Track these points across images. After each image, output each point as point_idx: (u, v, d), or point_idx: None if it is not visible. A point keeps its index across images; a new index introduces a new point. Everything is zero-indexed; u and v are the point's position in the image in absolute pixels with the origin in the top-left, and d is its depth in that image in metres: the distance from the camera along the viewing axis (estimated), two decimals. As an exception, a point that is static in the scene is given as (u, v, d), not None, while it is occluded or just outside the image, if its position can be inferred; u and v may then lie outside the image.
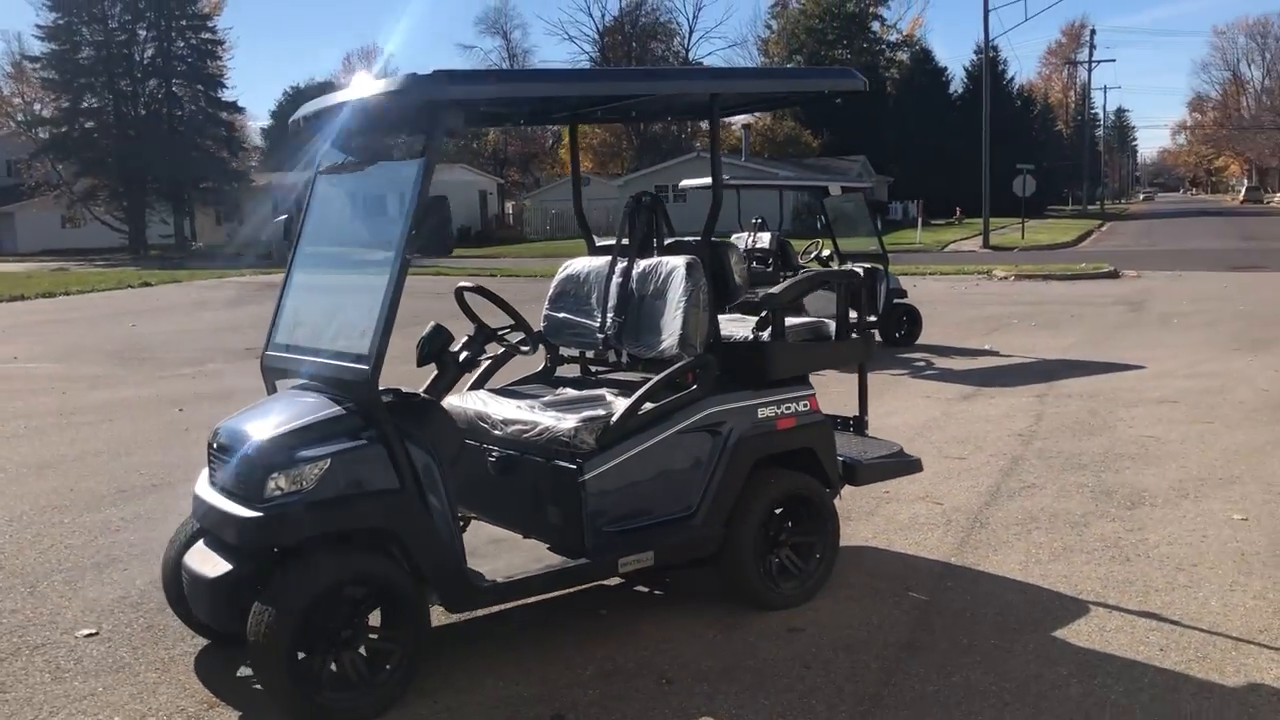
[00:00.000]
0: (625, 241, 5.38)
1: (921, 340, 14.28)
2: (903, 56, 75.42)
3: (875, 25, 76.43)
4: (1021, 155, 50.23)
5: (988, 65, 39.64)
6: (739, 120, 55.05)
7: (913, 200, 50.92)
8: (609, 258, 5.44)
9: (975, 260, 30.53)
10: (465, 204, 54.55)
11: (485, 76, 4.45)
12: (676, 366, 4.79)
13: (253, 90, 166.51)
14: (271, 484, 4.07)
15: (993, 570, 5.43)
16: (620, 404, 4.71)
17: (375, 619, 4.16)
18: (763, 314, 5.13)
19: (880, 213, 20.59)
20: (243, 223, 53.04)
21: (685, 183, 14.77)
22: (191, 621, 4.73)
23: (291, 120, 5.03)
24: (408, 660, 4.13)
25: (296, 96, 64.76)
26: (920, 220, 42.08)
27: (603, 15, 78.55)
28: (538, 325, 5.52)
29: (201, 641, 4.76)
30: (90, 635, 4.97)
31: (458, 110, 4.24)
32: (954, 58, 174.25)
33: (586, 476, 4.52)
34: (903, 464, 5.64)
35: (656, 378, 4.72)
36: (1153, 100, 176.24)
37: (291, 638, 3.89)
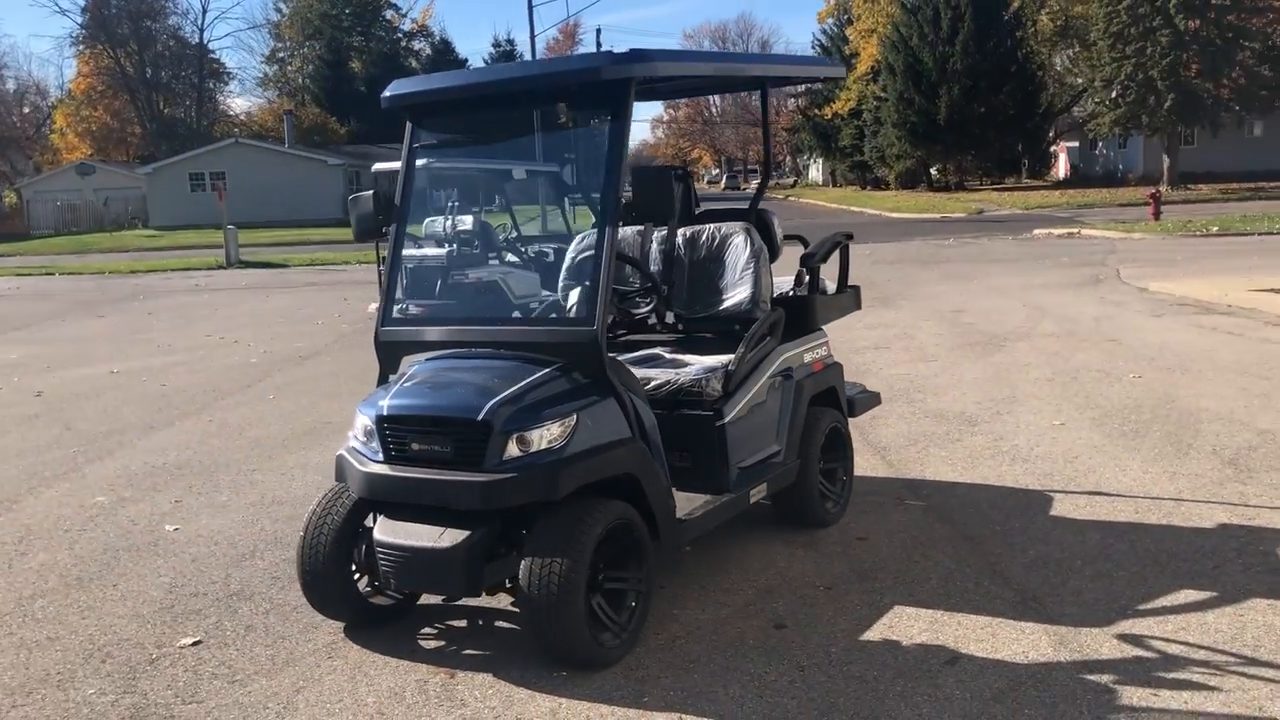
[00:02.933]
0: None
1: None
2: (422, 46, 76.26)
3: (388, 13, 76.50)
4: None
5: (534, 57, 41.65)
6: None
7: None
8: (633, 228, 5.89)
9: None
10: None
11: (668, 54, 4.79)
12: (765, 320, 5.42)
13: None
14: (515, 445, 4.23)
15: (934, 477, 6.64)
16: (698, 359, 5.24)
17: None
18: (800, 271, 5.90)
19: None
20: None
21: (379, 166, 14.76)
22: (332, 605, 4.65)
23: (389, 97, 5.02)
24: (645, 599, 4.46)
25: None
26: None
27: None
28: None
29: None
30: (196, 643, 4.67)
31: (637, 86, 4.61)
32: (474, 51, 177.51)
33: (726, 420, 5.05)
34: (872, 398, 6.65)
35: (754, 329, 5.32)
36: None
37: (586, 585, 4.11)
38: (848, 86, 59.43)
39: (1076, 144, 57.08)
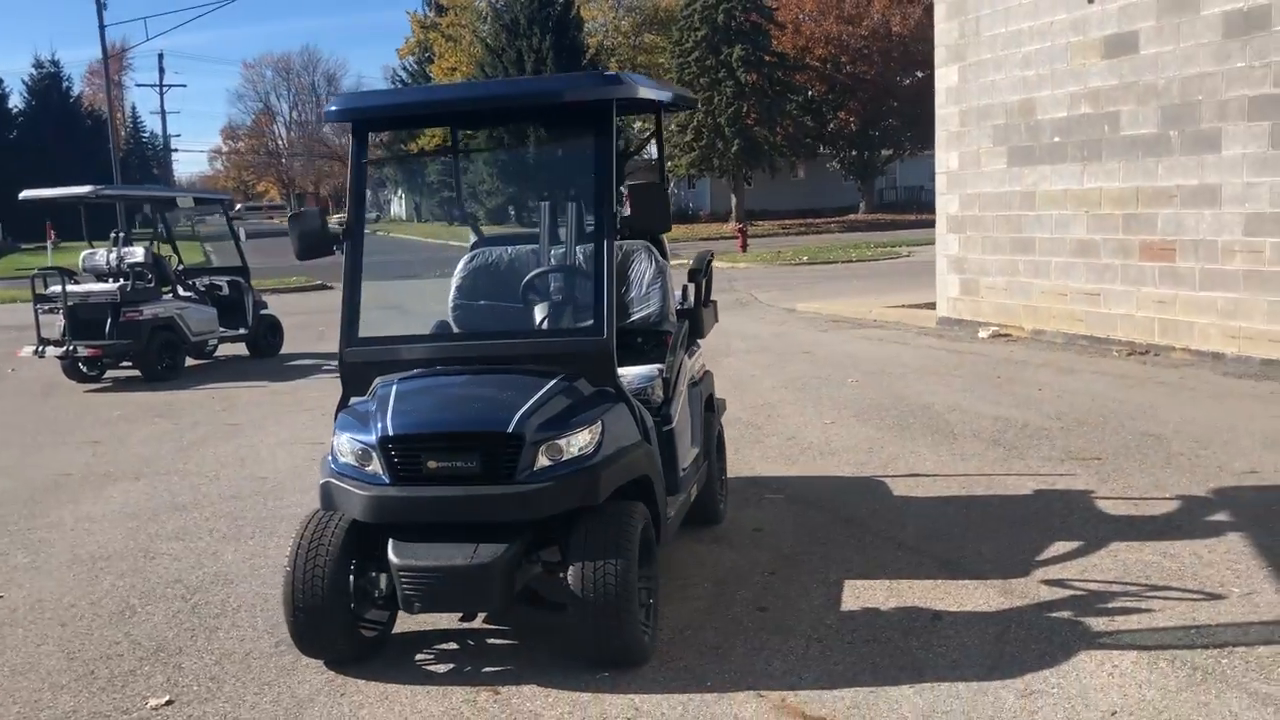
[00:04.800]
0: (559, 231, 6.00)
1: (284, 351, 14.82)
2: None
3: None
4: (96, 175, 48.87)
5: (110, 86, 38.26)
6: None
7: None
8: (520, 246, 5.97)
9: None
10: None
11: (640, 80, 4.95)
12: (678, 331, 5.73)
13: None
14: (545, 455, 4.28)
15: (768, 474, 7.26)
16: (624, 369, 5.48)
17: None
18: (690, 284, 6.26)
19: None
20: None
21: (26, 194, 13.23)
22: (327, 641, 4.40)
23: (334, 112, 4.82)
24: (657, 595, 4.62)
25: None
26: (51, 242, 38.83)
27: None
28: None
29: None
30: (167, 703, 4.22)
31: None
32: (9, 71, 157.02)
33: (674, 424, 5.32)
34: (720, 403, 7.11)
35: (675, 338, 5.62)
36: (199, 125, 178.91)
37: (636, 583, 4.23)
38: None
39: (649, 183, 61.43)
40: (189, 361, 13.73)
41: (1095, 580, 5.09)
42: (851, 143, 50.52)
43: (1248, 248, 10.00)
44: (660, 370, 5.39)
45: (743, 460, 7.58)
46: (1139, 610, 4.71)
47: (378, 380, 4.72)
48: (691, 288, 6.27)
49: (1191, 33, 10.36)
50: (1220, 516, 5.95)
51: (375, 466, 4.36)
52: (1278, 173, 9.67)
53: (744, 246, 32.00)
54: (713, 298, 6.73)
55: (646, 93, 5.01)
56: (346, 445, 4.46)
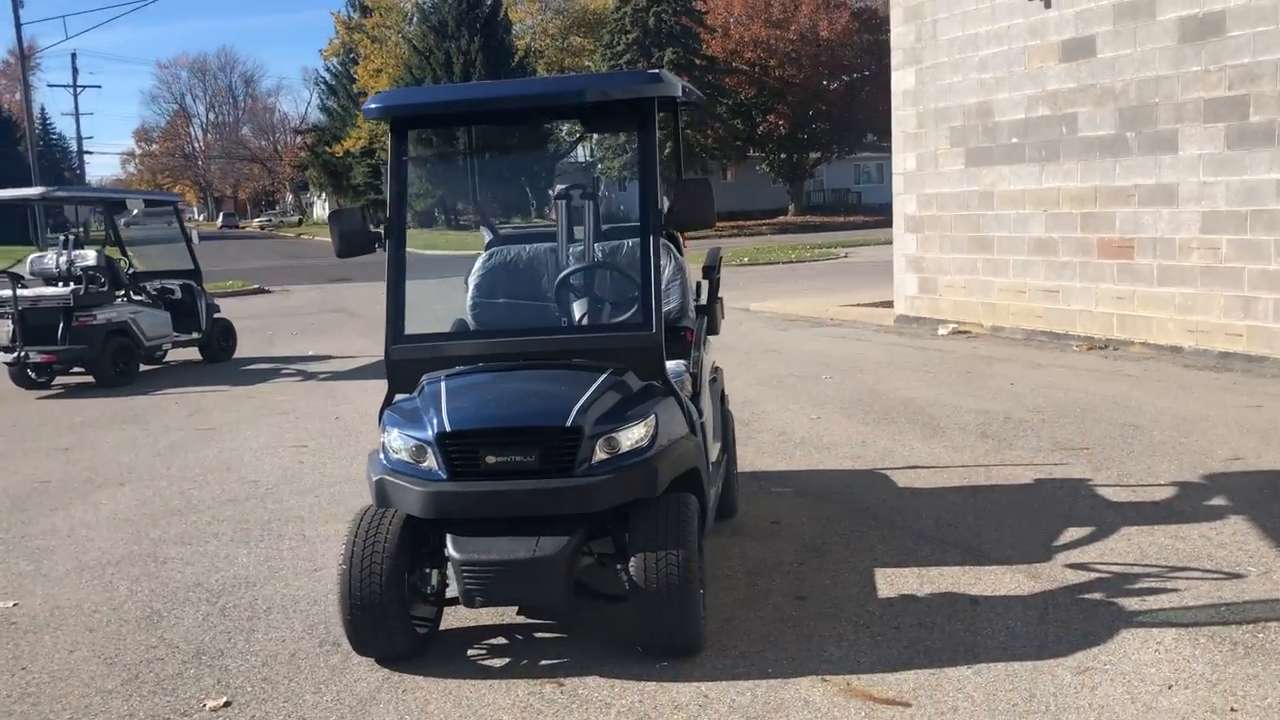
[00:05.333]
0: (577, 228, 6.02)
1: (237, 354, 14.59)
2: None
3: None
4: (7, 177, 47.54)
5: (27, 87, 37.19)
6: None
7: None
8: (540, 244, 5.99)
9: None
10: None
11: (676, 80, 5.00)
12: (700, 326, 5.79)
13: None
14: (602, 449, 4.32)
15: (768, 468, 7.36)
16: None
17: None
18: (704, 280, 6.32)
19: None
20: None
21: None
22: (385, 637, 4.36)
23: (376, 109, 4.80)
24: (705, 585, 4.67)
25: None
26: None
27: None
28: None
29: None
30: (226, 704, 4.17)
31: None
32: None
33: (703, 418, 5.37)
34: None
35: (699, 333, 5.69)
36: (111, 126, 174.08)
37: (698, 573, 4.28)
38: (359, 125, 59.45)
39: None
40: (141, 366, 13.42)
41: (1116, 563, 5.26)
42: (780, 146, 51.14)
43: (1205, 245, 10.38)
44: (686, 365, 5.44)
45: (740, 456, 7.62)
46: (1166, 590, 4.88)
47: (425, 377, 4.70)
48: (706, 284, 6.34)
49: (1148, 37, 10.72)
50: (1218, 500, 6.18)
51: (431, 462, 4.35)
52: (1233, 172, 10.06)
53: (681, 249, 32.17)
54: (719, 295, 6.82)
55: (678, 91, 5.08)
56: (399, 442, 4.44)
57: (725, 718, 3.90)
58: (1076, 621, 4.57)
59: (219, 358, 14.32)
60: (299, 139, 70.73)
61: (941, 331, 13.28)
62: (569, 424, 4.28)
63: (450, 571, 4.44)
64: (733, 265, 27.08)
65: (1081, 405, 8.83)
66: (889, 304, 14.93)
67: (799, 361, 11.73)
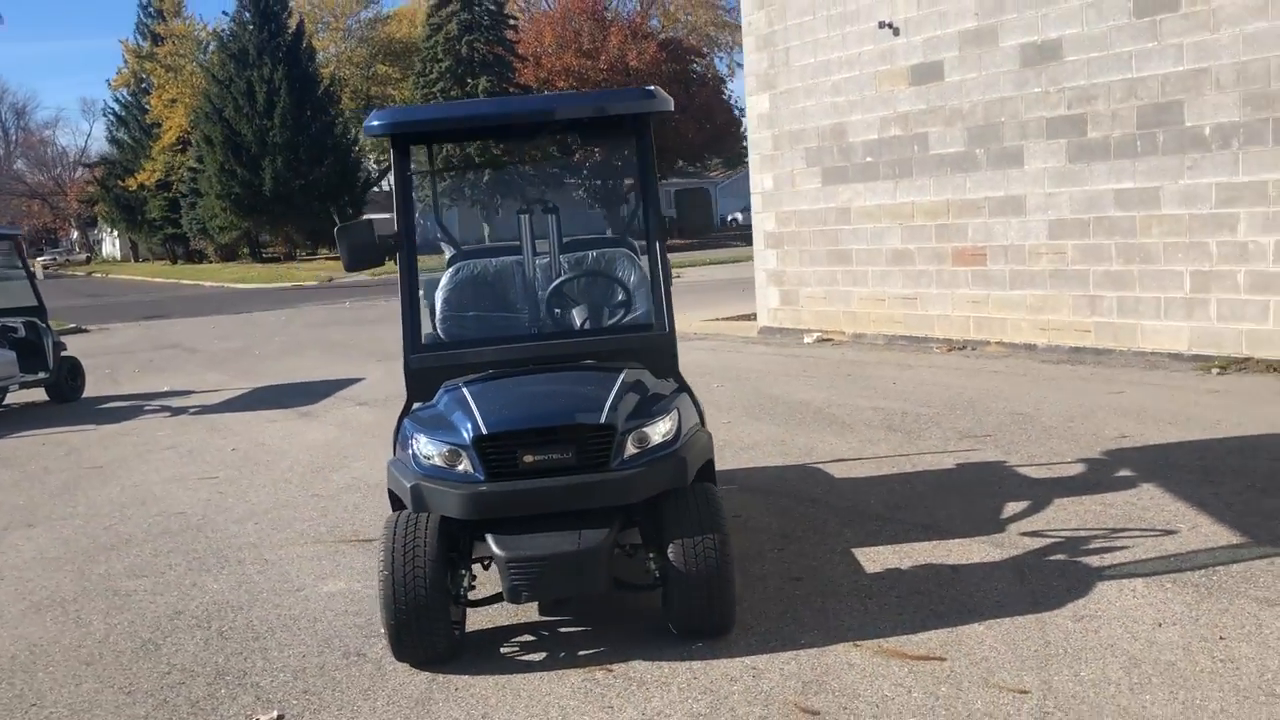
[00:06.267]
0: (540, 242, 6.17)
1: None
2: None
3: None
4: None
5: None
6: None
7: None
8: (505, 258, 6.11)
9: None
10: None
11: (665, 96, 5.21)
12: (670, 339, 6.03)
13: None
14: (632, 444, 4.52)
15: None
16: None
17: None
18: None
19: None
20: None
21: None
22: (430, 640, 4.43)
23: (378, 126, 4.85)
24: (720, 568, 4.91)
25: None
26: None
27: None
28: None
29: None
30: (279, 718, 4.15)
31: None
32: None
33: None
34: None
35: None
36: None
37: (733, 556, 4.52)
38: (153, 157, 57.00)
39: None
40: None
41: (1064, 529, 5.79)
42: (596, 173, 51.90)
43: (1052, 250, 11.35)
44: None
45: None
46: (1117, 549, 5.43)
47: (442, 385, 4.78)
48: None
49: (992, 62, 11.67)
50: (1125, 472, 6.86)
51: (467, 465, 4.44)
52: (1075, 184, 11.06)
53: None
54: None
55: (670, 106, 5.35)
56: (430, 448, 4.51)
57: (782, 684, 4.16)
58: (1054, 579, 5.05)
59: (69, 397, 13.57)
60: (84, 172, 66.86)
61: (807, 340, 13.94)
62: (603, 421, 4.46)
63: (474, 571, 4.57)
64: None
65: (966, 399, 9.52)
66: (750, 317, 15.53)
67: (683, 372, 12.08)
